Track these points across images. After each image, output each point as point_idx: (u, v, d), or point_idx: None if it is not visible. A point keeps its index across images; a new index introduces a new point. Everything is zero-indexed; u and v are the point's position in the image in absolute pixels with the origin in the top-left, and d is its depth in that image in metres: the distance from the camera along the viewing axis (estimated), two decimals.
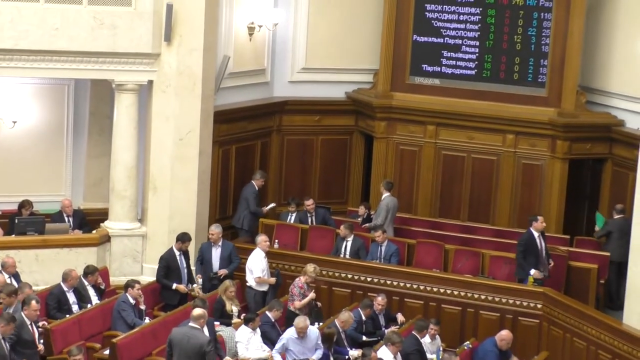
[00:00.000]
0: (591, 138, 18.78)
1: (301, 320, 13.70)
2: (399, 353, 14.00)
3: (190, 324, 12.82)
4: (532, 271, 16.17)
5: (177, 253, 16.12)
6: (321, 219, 18.75)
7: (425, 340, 14.58)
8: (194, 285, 16.09)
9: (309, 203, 18.81)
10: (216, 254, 16.39)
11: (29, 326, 12.94)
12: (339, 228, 17.78)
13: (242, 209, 18.51)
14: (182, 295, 15.93)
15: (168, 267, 15.99)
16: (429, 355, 14.44)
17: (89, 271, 15.17)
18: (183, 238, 16.20)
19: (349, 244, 17.37)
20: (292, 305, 15.41)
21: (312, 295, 15.47)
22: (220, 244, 16.44)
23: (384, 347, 13.95)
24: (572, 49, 18.55)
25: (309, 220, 18.75)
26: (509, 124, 19.05)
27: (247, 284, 16.17)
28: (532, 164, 19.01)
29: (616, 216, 17.58)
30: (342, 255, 17.29)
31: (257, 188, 18.44)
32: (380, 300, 15.38)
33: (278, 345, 13.74)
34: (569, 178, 18.74)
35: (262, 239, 16.33)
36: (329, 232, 18.15)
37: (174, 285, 15.89)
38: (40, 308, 13.35)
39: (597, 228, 17.82)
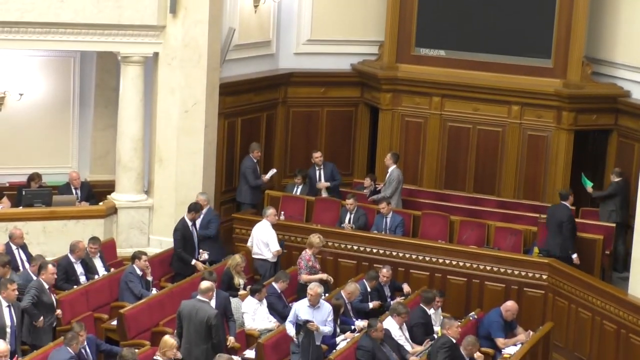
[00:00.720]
0: (597, 109, 18.75)
1: (316, 285, 13.49)
2: (404, 324, 14.08)
3: (198, 297, 12.90)
4: (574, 255, 16.22)
5: (189, 223, 16.18)
6: (330, 173, 18.78)
7: (430, 312, 14.68)
8: (202, 257, 16.19)
9: (317, 155, 18.88)
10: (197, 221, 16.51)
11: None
12: (344, 198, 17.82)
13: (242, 184, 18.56)
14: (196, 269, 15.96)
15: (184, 237, 16.04)
16: (435, 328, 14.54)
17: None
18: (195, 208, 16.25)
19: (353, 215, 17.40)
20: (300, 278, 15.48)
21: (322, 275, 15.52)
22: (203, 210, 16.59)
23: (389, 317, 14.03)
24: (578, 19, 18.49)
25: (317, 173, 18.77)
26: (514, 95, 19.03)
27: (261, 257, 16.21)
28: (538, 135, 18.99)
29: (616, 179, 17.71)
30: (347, 224, 17.33)
31: (255, 160, 18.43)
32: (385, 272, 15.43)
33: (291, 315, 13.48)
34: (574, 149, 18.73)
35: (271, 212, 16.39)
36: (334, 204, 18.18)
37: (193, 261, 15.95)
38: (56, 272, 13.54)
39: (589, 189, 17.83)
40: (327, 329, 13.44)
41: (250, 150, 18.60)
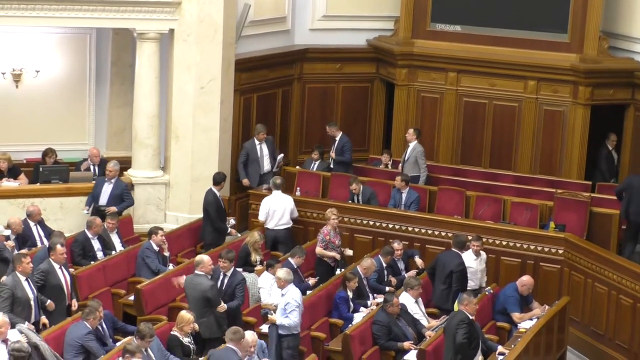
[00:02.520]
0: (613, 84, 18.69)
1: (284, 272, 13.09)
2: (419, 298, 14.11)
3: (196, 271, 13.02)
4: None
5: (218, 194, 16.35)
6: (340, 148, 18.70)
7: (470, 257, 14.80)
8: (230, 223, 16.52)
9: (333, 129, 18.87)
10: (107, 189, 16.49)
11: (58, 270, 13.04)
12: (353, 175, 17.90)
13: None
14: (224, 236, 16.27)
15: (218, 209, 16.23)
16: (477, 272, 14.87)
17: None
18: (220, 178, 16.48)
19: (361, 198, 17.40)
20: (316, 251, 15.57)
21: (335, 254, 15.59)
22: (113, 181, 16.56)
23: (404, 292, 14.06)
24: None
25: (332, 147, 18.74)
26: (530, 70, 18.97)
27: (286, 226, 16.50)
28: (554, 110, 18.95)
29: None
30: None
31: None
32: (396, 246, 15.44)
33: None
34: (590, 124, 18.68)
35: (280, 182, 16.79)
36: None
37: (229, 229, 16.41)
38: (65, 252, 13.45)
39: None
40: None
41: (255, 132, 18.30)
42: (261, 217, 16.52)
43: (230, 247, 15.17)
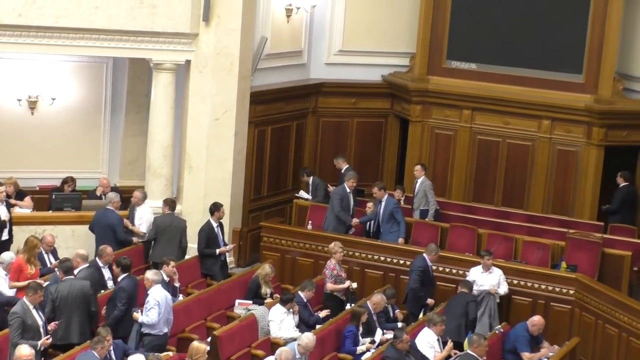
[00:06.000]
0: (628, 125, 18.70)
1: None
2: (441, 334, 14.06)
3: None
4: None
5: (214, 224, 16.29)
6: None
7: (478, 270, 15.48)
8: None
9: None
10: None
11: (32, 310, 12.62)
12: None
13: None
14: (221, 262, 16.21)
15: (208, 239, 16.18)
16: (485, 286, 15.56)
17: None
18: (217, 207, 16.34)
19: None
20: (326, 287, 15.52)
21: (348, 284, 15.59)
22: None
23: (426, 328, 13.97)
24: (610, 35, 18.46)
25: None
26: (545, 109, 19.00)
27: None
28: (568, 150, 18.95)
29: (623, 183, 17.97)
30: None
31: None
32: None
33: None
34: (603, 165, 18.67)
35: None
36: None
37: (217, 251, 16.17)
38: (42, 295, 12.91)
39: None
40: None
41: (347, 178, 17.67)
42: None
43: (240, 279, 15.17)
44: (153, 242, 16.31)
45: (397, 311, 15.49)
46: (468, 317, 14.86)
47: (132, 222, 16.54)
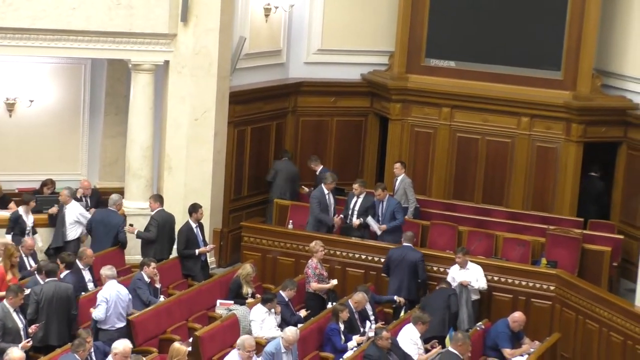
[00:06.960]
0: (606, 121, 18.78)
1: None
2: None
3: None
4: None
5: (193, 225, 16.26)
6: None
7: (455, 268, 15.62)
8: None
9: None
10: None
11: (13, 313, 12.72)
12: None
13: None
14: (202, 263, 16.23)
15: (187, 239, 16.17)
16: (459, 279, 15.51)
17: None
18: (195, 208, 16.31)
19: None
20: (309, 287, 15.51)
21: (333, 282, 15.61)
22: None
23: (410, 325, 13.98)
24: (588, 32, 18.52)
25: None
26: (524, 106, 19.05)
27: None
28: (547, 147, 19.01)
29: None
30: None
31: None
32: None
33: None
34: (583, 161, 18.74)
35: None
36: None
37: (197, 251, 16.13)
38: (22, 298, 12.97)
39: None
40: None
41: (325, 180, 17.50)
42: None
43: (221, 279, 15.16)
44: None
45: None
46: (450, 310, 14.97)
47: (63, 221, 16.43)
